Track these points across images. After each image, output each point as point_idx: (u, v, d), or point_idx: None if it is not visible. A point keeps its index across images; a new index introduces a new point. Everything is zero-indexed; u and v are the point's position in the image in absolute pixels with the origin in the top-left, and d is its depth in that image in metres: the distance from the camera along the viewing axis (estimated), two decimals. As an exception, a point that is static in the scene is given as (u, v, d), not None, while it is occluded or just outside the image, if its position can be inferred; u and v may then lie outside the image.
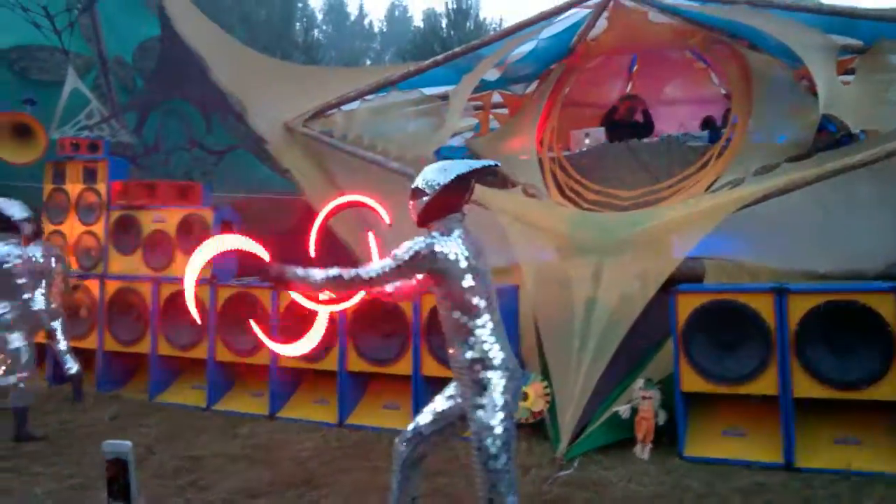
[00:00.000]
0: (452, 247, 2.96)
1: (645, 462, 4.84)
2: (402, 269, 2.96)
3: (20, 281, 5.58)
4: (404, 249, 2.95)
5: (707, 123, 8.48)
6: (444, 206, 3.04)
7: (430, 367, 5.70)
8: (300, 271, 3.04)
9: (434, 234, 3.02)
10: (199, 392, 6.59)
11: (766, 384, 4.80)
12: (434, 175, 3.04)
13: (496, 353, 2.98)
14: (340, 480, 4.62)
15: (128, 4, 10.14)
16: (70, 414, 6.26)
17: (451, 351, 3.08)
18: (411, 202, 3.10)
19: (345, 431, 5.76)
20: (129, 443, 1.47)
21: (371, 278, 2.97)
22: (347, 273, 2.98)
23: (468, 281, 2.95)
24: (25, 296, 5.66)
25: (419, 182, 3.07)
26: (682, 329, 5.06)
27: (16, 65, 11.00)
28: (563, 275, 5.84)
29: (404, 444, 3.24)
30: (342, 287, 3.04)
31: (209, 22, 9.33)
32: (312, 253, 3.48)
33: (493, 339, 2.98)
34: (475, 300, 2.97)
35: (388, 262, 2.96)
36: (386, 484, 4.49)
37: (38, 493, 4.41)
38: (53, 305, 6.63)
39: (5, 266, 5.47)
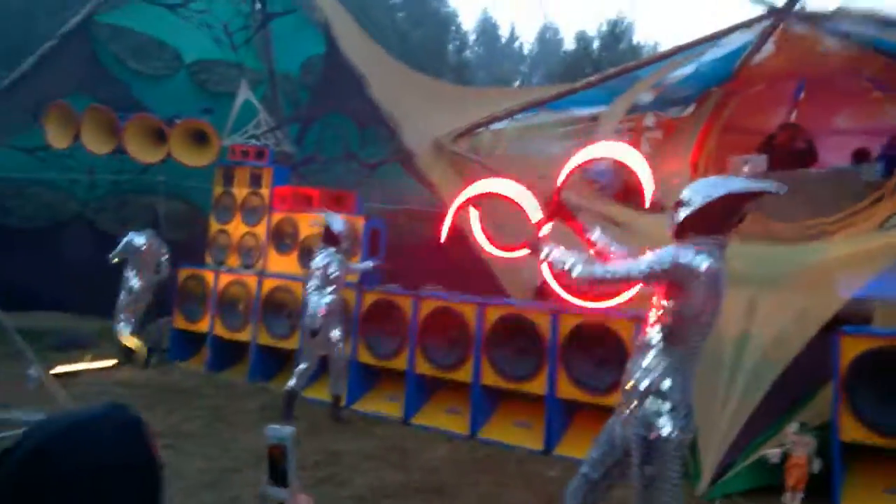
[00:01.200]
0: (707, 269, 2.64)
1: (794, 512, 4.51)
2: (653, 275, 2.71)
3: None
4: (660, 257, 2.70)
5: (858, 155, 7.82)
6: (704, 223, 2.72)
7: (566, 390, 5.61)
8: (561, 256, 2.87)
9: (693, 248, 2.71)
10: (341, 391, 6.82)
11: (940, 442, 4.35)
12: (702, 188, 2.78)
13: (678, 394, 2.69)
14: (468, 492, 4.65)
15: (298, 24, 10.75)
16: (224, 400, 6.69)
17: (630, 367, 2.81)
18: (672, 212, 2.83)
19: (475, 444, 5.78)
20: (291, 429, 1.55)
21: (624, 276, 2.77)
22: (610, 272, 2.78)
23: (698, 312, 2.68)
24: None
25: (684, 193, 2.79)
26: (844, 373, 4.67)
27: (196, 77, 12.02)
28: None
29: (571, 494, 2.97)
30: (601, 284, 2.82)
31: (370, 41, 9.77)
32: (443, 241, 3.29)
33: (680, 378, 2.70)
34: (690, 333, 2.70)
35: (641, 266, 2.73)
36: (512, 501, 4.50)
37: (192, 471, 4.75)
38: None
39: (328, 270, 6.10)
